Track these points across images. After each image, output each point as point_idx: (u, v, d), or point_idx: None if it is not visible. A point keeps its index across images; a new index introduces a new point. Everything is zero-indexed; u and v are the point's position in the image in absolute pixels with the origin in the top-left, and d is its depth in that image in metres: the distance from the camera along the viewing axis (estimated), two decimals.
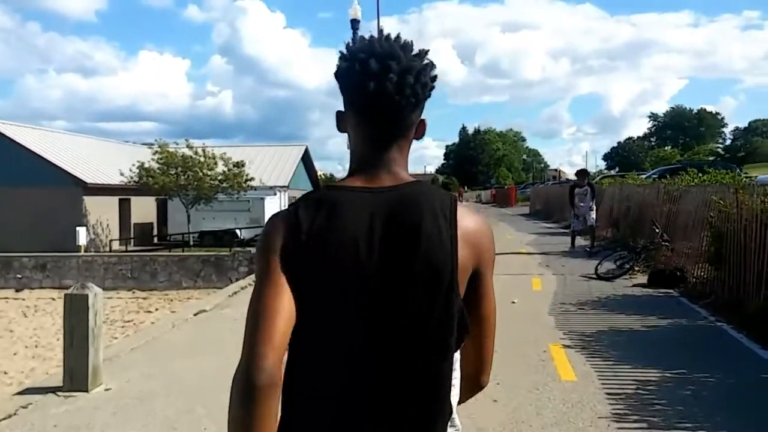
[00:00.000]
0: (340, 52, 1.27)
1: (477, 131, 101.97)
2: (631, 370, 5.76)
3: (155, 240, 33.16)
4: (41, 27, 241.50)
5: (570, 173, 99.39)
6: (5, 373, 11.08)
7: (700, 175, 13.32)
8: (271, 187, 35.92)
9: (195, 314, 9.20)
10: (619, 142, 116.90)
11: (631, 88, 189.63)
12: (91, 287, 5.75)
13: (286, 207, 1.26)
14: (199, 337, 7.69)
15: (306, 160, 45.20)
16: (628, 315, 8.05)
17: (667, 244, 11.22)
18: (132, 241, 30.58)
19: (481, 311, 1.27)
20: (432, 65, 1.28)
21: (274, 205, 33.05)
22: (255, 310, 1.13)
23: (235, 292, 11.15)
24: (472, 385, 1.35)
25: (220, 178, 27.15)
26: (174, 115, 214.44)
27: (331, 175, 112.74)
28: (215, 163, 26.80)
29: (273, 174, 39.22)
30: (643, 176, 29.57)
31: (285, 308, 1.13)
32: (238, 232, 30.86)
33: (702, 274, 9.71)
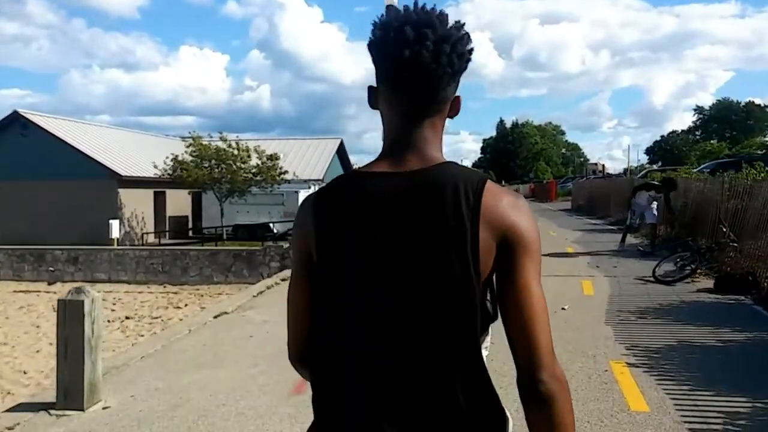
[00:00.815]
0: (374, 21, 1.20)
1: (515, 125, 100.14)
2: (714, 398, 4.84)
3: (190, 233, 32.99)
4: (85, 23, 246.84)
5: (611, 167, 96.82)
6: (24, 372, 10.64)
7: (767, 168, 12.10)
8: (305, 181, 35.47)
9: (215, 317, 8.54)
10: (662, 136, 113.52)
11: (675, 80, 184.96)
12: (88, 292, 5.10)
13: (311, 193, 1.25)
14: (216, 345, 7.00)
15: (341, 153, 44.58)
16: (697, 326, 7.06)
17: (734, 244, 10.12)
18: (167, 234, 30.41)
19: (517, 296, 1.14)
20: (469, 37, 1.21)
21: None
22: (288, 304, 1.27)
23: (261, 292, 10.47)
24: (530, 389, 1.12)
25: (254, 171, 26.61)
26: (213, 110, 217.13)
27: None
28: (249, 156, 26.27)
29: (308, 167, 38.73)
30: (694, 171, 28.16)
31: (306, 303, 1.23)
32: (271, 225, 30.42)
33: None
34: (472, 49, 1.20)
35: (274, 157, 26.97)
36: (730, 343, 6.44)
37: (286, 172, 27.30)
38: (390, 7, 1.24)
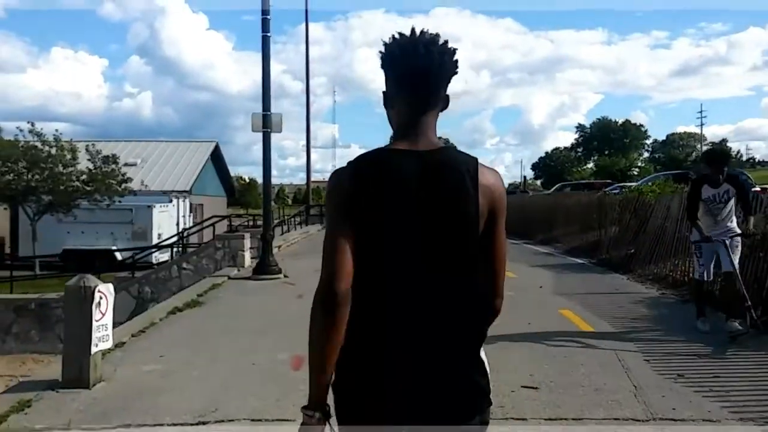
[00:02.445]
0: (385, 43, 1.65)
1: None
2: None
3: (7, 262, 24.94)
4: None
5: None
6: None
7: None
8: (165, 192, 28.49)
9: None
10: (546, 152, 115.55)
11: (550, 101, 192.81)
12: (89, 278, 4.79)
13: (345, 164, 1.65)
14: None
15: (217, 158, 37.76)
16: None
17: None
18: None
19: (494, 245, 1.64)
20: (456, 50, 1.66)
21: (166, 217, 25.61)
22: (330, 247, 1.53)
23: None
24: (491, 299, 1.68)
25: (83, 178, 19.57)
26: (89, 117, 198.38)
27: (252, 180, 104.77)
28: (74, 158, 19.22)
29: (171, 176, 31.67)
30: (636, 185, 24.33)
31: (351, 246, 1.53)
32: (114, 250, 23.28)
33: None
34: (458, 60, 1.66)
35: (112, 159, 20.04)
36: None
37: (128, 179, 20.35)
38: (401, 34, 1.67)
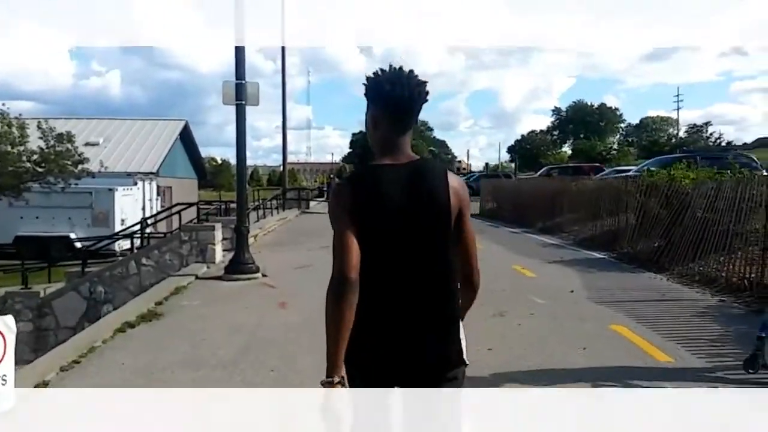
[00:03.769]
0: (370, 77, 2.02)
1: None
2: None
3: None
4: None
5: (476, 166, 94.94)
6: None
7: None
8: (129, 174, 26.38)
9: None
10: (522, 135, 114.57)
11: (524, 84, 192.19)
12: None
13: (345, 177, 2.16)
14: None
15: (187, 139, 35.52)
16: None
17: None
18: None
19: (465, 233, 2.04)
20: (426, 83, 2.03)
21: (129, 201, 23.59)
22: (340, 244, 1.87)
23: None
24: (467, 284, 2.08)
25: (35, 158, 17.51)
26: (55, 95, 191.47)
27: (224, 161, 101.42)
28: (23, 136, 17.13)
29: (137, 156, 29.49)
30: (633, 170, 22.96)
31: (357, 243, 1.87)
32: (73, 237, 21.24)
33: None
34: (428, 91, 2.03)
35: (67, 138, 17.97)
36: None
37: (84, 160, 18.31)
38: (381, 70, 2.04)
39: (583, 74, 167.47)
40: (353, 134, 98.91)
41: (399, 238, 1.91)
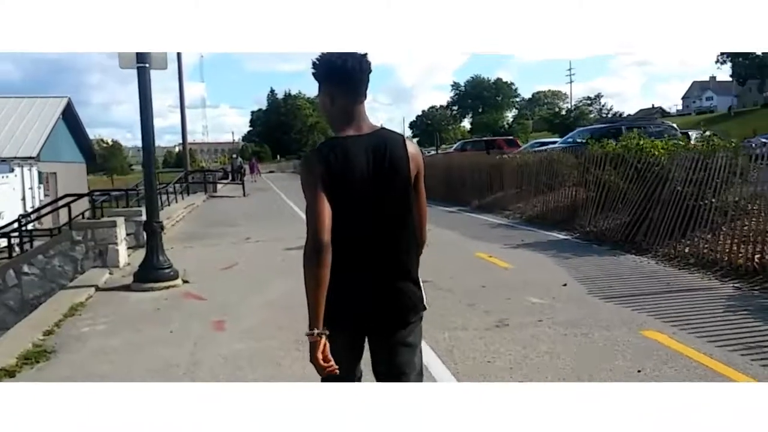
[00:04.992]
0: (317, 60, 2.18)
1: (288, 95, 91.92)
2: None
3: None
4: None
5: None
6: None
7: None
8: (4, 160, 23.07)
9: None
10: (423, 111, 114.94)
11: (420, 60, 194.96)
12: None
13: (315, 149, 2.25)
14: None
15: (71, 119, 31.89)
16: None
17: None
18: None
19: (420, 196, 2.31)
20: (366, 55, 2.23)
21: (5, 190, 20.50)
22: (313, 211, 2.08)
23: None
24: (419, 235, 2.35)
25: None
26: None
27: (115, 142, 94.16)
28: None
29: (13, 139, 25.97)
30: (558, 142, 22.52)
31: (329, 208, 2.07)
32: None
33: None
34: (371, 62, 2.22)
35: None
36: None
37: None
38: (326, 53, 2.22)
39: (476, 51, 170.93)
40: (252, 112, 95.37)
41: (367, 202, 2.15)
